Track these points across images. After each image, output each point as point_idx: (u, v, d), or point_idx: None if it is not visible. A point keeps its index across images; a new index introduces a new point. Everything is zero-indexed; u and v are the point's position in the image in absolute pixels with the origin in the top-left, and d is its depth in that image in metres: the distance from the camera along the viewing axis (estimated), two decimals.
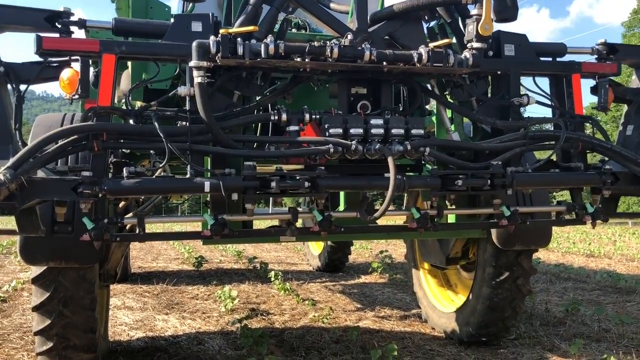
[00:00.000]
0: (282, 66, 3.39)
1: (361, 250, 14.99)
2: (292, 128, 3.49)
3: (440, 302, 6.37)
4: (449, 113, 4.19)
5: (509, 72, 3.91)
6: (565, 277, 9.94)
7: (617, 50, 4.14)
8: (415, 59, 3.42)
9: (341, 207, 4.29)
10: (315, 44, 3.31)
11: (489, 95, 4.07)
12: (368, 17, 3.71)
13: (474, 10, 3.58)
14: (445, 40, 3.45)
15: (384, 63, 3.42)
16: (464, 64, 3.53)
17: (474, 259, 5.73)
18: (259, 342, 5.23)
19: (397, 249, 14.62)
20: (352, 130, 3.44)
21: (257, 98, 3.65)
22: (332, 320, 6.74)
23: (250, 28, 3.29)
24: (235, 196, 3.23)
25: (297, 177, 3.23)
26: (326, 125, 3.42)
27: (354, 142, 3.42)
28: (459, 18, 3.88)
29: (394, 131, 3.51)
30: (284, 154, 3.37)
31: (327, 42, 3.40)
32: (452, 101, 3.95)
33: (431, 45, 3.47)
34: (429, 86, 4.10)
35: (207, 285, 9.31)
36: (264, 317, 6.97)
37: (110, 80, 3.22)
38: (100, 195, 3.03)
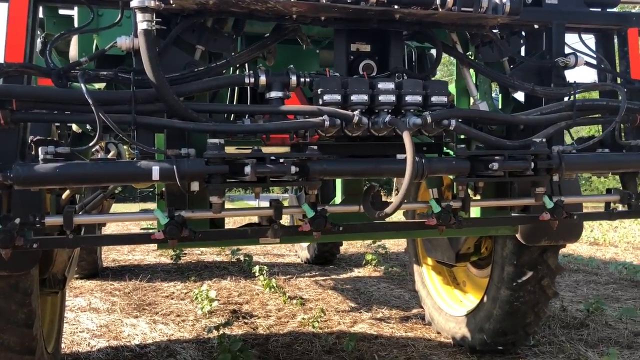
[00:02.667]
0: (259, 9, 2.51)
1: (353, 240, 14.16)
2: (274, 94, 2.62)
3: (447, 303, 5.59)
4: (473, 78, 3.32)
5: (550, 25, 3.06)
6: (575, 269, 9.20)
7: None
8: (438, 2, 2.56)
9: (337, 199, 3.45)
10: None
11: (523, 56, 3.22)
12: None
13: None
14: None
15: (395, 7, 2.55)
16: (500, 9, 2.67)
17: (487, 254, 4.95)
18: (238, 358, 4.40)
19: (392, 239, 13.82)
20: (354, 97, 2.58)
21: (228, 56, 2.75)
22: (323, 324, 5.92)
23: None
24: (195, 186, 2.38)
25: (281, 160, 2.38)
26: (320, 90, 2.56)
27: (356, 112, 2.56)
28: None
29: (408, 98, 2.65)
30: (262, 128, 2.50)
31: None
32: (479, 63, 3.07)
33: None
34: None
35: (184, 282, 8.44)
36: (246, 321, 6.14)
37: (21, 27, 2.33)
38: (7, 185, 2.16)
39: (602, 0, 3.24)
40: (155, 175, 2.27)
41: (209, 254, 11.79)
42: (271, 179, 2.41)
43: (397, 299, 7.21)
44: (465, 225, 2.90)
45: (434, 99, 2.69)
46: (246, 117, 2.61)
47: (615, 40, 3.29)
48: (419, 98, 2.66)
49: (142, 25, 2.35)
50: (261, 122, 2.56)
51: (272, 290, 7.52)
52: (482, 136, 2.79)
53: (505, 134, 3.18)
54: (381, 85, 2.62)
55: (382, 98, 2.61)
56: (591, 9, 3.16)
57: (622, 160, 2.97)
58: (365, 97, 2.59)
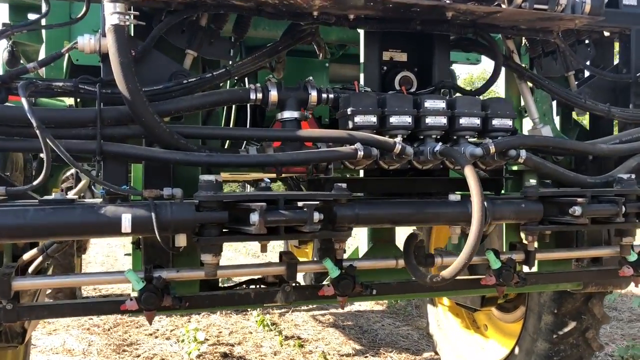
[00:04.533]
0: (270, 3, 1.88)
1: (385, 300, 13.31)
2: (288, 115, 1.98)
3: (467, 350, 4.93)
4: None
5: (628, 32, 2.46)
6: None
7: None
8: None
9: (362, 247, 2.79)
10: None
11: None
12: None
13: None
14: None
15: (448, 1, 1.94)
16: (579, 9, 2.07)
17: (514, 295, 4.32)
18: None
19: None
20: (394, 120, 1.95)
21: (227, 64, 2.11)
22: None
23: None
24: (182, 240, 1.72)
25: (300, 204, 1.73)
26: (350, 110, 1.92)
27: (398, 139, 1.93)
28: None
29: (464, 121, 2.03)
30: (274, 159, 1.85)
31: None
32: (542, 77, 2.45)
33: None
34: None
35: (170, 315, 7.70)
36: None
37: None
38: None
39: None
40: (126, 226, 1.61)
41: None
42: (286, 229, 1.76)
43: (405, 339, 6.53)
44: (530, 283, 2.27)
45: (495, 122, 2.07)
46: (246, 145, 1.97)
47: None
48: (477, 121, 2.04)
49: (111, 20, 1.71)
50: (271, 152, 1.91)
51: (267, 328, 6.81)
52: (559, 172, 2.16)
53: (572, 166, 2.55)
54: (429, 104, 1.99)
55: (430, 121, 1.98)
56: None
57: None
58: (408, 120, 1.96)
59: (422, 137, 2.04)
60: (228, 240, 1.79)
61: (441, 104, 2.00)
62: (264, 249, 1.91)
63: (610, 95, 2.53)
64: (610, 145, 2.30)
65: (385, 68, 2.29)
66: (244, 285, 2.24)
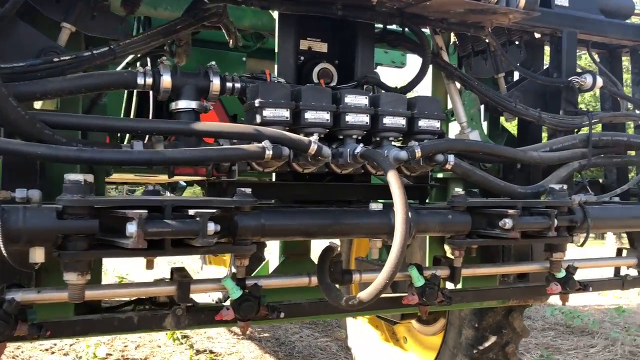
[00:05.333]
0: None
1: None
2: (184, 104, 1.67)
3: None
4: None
5: (559, 34, 2.33)
6: None
7: None
8: None
9: (272, 262, 2.46)
10: None
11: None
12: None
13: None
14: None
15: None
16: (514, 2, 1.89)
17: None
18: None
19: None
20: (309, 115, 1.68)
21: (113, 43, 1.76)
22: None
23: None
24: (39, 255, 1.37)
25: (191, 213, 1.42)
26: (258, 102, 1.63)
27: (313, 138, 1.66)
28: None
29: (388, 121, 1.79)
30: (162, 157, 1.52)
31: None
32: (472, 78, 2.26)
33: None
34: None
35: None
36: None
37: None
38: None
39: (614, 8, 2.56)
40: None
41: None
42: (172, 241, 1.44)
43: (324, 352, 6.30)
44: (455, 301, 2.06)
45: (422, 123, 1.84)
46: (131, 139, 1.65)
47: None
48: (402, 121, 1.81)
49: None
50: (161, 148, 1.58)
51: (177, 341, 6.38)
52: (489, 180, 1.96)
53: (501, 174, 2.39)
54: (349, 100, 1.73)
55: (350, 119, 1.73)
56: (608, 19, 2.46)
57: None
58: (326, 116, 1.70)
59: (341, 137, 1.79)
60: (98, 255, 1.45)
61: (364, 100, 1.75)
62: (149, 266, 1.58)
63: (540, 100, 2.39)
64: (541, 153, 2.14)
65: (302, 58, 2.03)
66: (132, 306, 1.90)
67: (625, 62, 2.78)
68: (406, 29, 2.12)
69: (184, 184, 6.32)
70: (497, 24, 2.04)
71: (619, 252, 2.53)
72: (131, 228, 1.33)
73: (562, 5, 2.33)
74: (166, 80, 1.64)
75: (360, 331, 5.03)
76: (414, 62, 4.28)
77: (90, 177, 1.38)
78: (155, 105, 2.46)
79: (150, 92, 1.73)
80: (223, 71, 1.80)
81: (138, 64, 2.37)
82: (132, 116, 2.63)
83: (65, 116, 1.54)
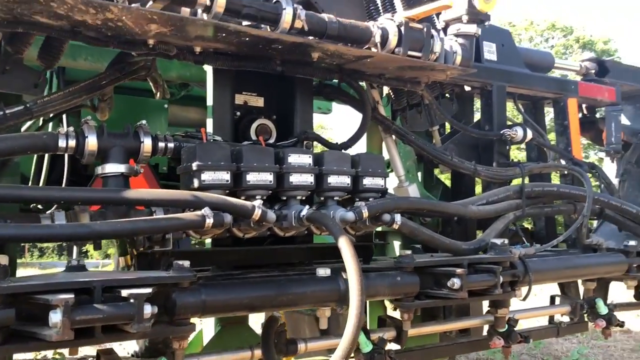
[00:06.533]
0: (90, 23, 1.42)
1: None
2: (112, 169, 1.51)
3: None
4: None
5: (490, 87, 2.38)
6: None
7: (608, 69, 2.88)
8: (378, 39, 1.71)
9: (206, 334, 2.23)
10: None
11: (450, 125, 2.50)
12: None
13: None
14: (442, 3, 1.77)
15: (316, 40, 1.64)
16: (450, 59, 1.90)
17: None
18: None
19: None
20: (251, 178, 1.57)
21: (29, 101, 1.58)
22: None
23: None
24: None
25: (124, 294, 1.25)
26: (196, 165, 1.51)
27: (257, 202, 1.55)
28: None
29: (333, 180, 1.71)
30: (90, 231, 1.34)
31: None
32: (408, 132, 2.24)
33: (403, 15, 1.78)
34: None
35: None
36: None
37: None
38: None
39: (537, 62, 2.66)
40: None
41: None
42: (104, 329, 1.26)
43: None
44: None
45: (366, 181, 1.78)
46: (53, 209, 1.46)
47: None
48: (347, 180, 1.74)
49: None
50: (86, 219, 1.41)
51: None
52: (435, 238, 1.92)
53: (440, 228, 2.37)
54: (293, 159, 1.65)
55: (294, 179, 1.64)
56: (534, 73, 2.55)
57: (594, 264, 2.30)
58: (269, 177, 1.60)
59: (284, 197, 1.69)
60: (15, 350, 1.24)
61: (307, 159, 1.67)
62: (73, 352, 1.38)
63: (473, 152, 2.42)
64: (480, 207, 2.14)
65: (238, 113, 1.92)
66: None
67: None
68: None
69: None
70: (434, 80, 2.05)
71: (552, 299, 2.57)
72: (55, 317, 1.15)
73: (491, 59, 2.38)
74: (92, 142, 1.48)
75: None
76: (338, 108, 4.28)
77: (4, 259, 1.19)
78: (71, 165, 2.26)
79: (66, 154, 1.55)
80: (141, 119, 1.66)
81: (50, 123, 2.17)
82: (43, 176, 2.39)
83: None
